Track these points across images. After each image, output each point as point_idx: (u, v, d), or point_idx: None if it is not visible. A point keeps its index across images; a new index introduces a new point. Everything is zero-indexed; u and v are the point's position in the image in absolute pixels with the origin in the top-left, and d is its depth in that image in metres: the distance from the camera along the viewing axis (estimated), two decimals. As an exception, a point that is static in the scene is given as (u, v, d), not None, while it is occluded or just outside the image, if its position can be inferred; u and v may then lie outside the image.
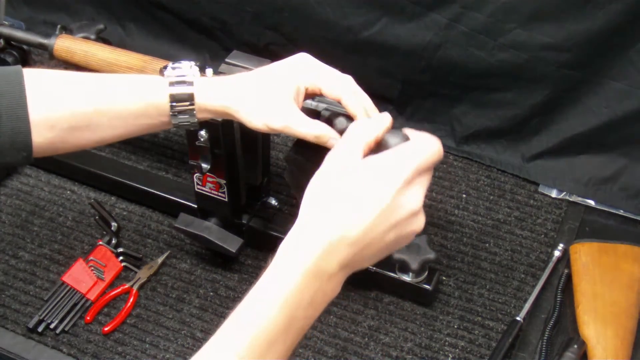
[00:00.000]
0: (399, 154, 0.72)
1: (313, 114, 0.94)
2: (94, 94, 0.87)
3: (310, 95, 0.90)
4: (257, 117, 0.86)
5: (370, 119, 0.84)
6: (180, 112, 0.88)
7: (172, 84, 0.87)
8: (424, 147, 0.73)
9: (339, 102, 0.88)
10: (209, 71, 0.92)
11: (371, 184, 0.70)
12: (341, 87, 0.87)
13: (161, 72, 0.90)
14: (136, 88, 0.88)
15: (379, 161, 0.72)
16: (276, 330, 0.68)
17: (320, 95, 0.89)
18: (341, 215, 0.69)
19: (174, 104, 0.87)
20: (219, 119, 0.95)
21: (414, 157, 0.72)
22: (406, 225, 0.72)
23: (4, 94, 0.85)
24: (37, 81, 0.87)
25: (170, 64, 0.90)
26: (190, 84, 0.87)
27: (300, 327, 0.70)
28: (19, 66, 0.88)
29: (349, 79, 0.88)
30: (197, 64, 0.90)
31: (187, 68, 0.89)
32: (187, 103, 0.87)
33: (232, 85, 0.88)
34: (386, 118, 0.78)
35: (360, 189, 0.70)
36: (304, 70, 0.87)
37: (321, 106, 0.96)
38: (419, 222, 0.73)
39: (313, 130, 0.85)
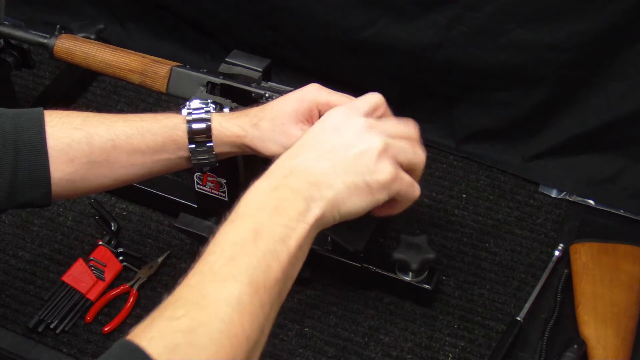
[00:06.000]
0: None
1: None
2: (113, 130, 0.89)
3: None
4: (273, 142, 0.88)
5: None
6: (197, 145, 0.89)
7: (189, 120, 0.89)
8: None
9: None
10: (226, 110, 0.94)
11: (321, 119, 0.80)
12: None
13: (179, 110, 0.91)
14: (154, 124, 0.90)
15: None
16: (242, 235, 0.66)
17: None
18: (297, 144, 0.77)
19: (192, 137, 0.89)
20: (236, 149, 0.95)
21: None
22: (355, 141, 0.75)
23: (25, 130, 0.86)
24: (57, 118, 0.88)
25: (187, 102, 0.92)
26: (208, 120, 0.89)
27: (273, 233, 0.67)
28: (41, 108, 0.89)
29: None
30: (213, 102, 0.93)
31: (204, 105, 0.91)
32: (204, 136, 0.89)
33: (246, 115, 0.90)
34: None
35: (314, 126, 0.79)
36: (315, 92, 0.88)
37: None
38: (371, 141, 0.75)
39: None
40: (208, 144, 0.89)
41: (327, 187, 0.72)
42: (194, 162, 0.91)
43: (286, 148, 0.86)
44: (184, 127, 0.89)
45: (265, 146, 0.88)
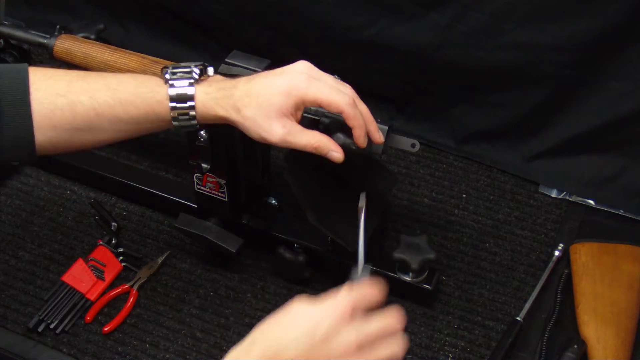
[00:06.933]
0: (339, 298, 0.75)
1: (312, 122, 0.94)
2: (96, 99, 0.88)
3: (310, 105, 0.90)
4: (254, 130, 0.87)
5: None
6: (181, 122, 0.89)
7: (172, 98, 0.88)
8: (360, 291, 0.76)
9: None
10: (210, 69, 0.92)
11: (312, 316, 0.73)
12: (340, 101, 0.87)
13: (162, 74, 0.90)
14: (137, 97, 0.89)
15: (325, 301, 0.75)
16: None
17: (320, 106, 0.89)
18: (278, 337, 0.72)
19: (175, 115, 0.89)
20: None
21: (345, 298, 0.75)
22: (330, 346, 0.71)
23: (8, 90, 0.85)
24: (41, 80, 0.88)
25: (170, 68, 0.90)
26: (191, 98, 0.88)
27: None
28: (25, 64, 0.88)
29: (348, 91, 0.89)
30: (198, 65, 0.91)
31: (188, 73, 0.89)
32: (188, 114, 0.89)
33: (230, 97, 0.88)
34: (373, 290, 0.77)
35: (303, 318, 0.73)
36: (303, 85, 0.86)
37: (320, 112, 0.96)
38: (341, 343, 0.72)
39: (311, 142, 0.87)
40: (192, 121, 0.89)
41: None
42: (177, 130, 0.91)
43: (265, 139, 0.87)
44: (166, 103, 0.88)
45: (247, 131, 0.88)
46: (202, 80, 0.90)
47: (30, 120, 0.86)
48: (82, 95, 0.88)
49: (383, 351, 0.74)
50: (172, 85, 0.88)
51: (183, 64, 0.91)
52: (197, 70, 0.89)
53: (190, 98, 0.88)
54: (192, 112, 0.88)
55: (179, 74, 0.89)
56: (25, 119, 0.86)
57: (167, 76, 0.89)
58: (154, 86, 0.89)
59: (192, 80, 0.89)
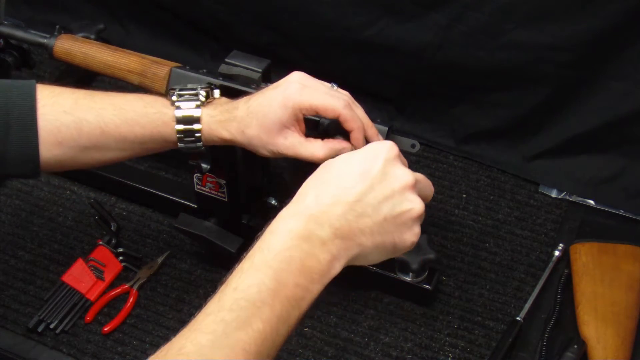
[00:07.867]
0: (383, 142, 0.76)
1: (312, 123, 0.94)
2: (102, 117, 0.89)
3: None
4: (262, 147, 0.89)
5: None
6: (186, 143, 0.91)
7: (179, 120, 0.89)
8: None
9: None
10: (217, 92, 0.94)
11: (362, 158, 0.72)
12: (335, 105, 0.87)
13: (169, 95, 0.91)
14: (143, 117, 0.90)
15: (367, 146, 0.75)
16: (262, 293, 0.66)
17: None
18: (334, 184, 0.71)
19: (181, 137, 0.90)
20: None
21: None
22: (400, 200, 0.71)
23: (16, 105, 0.86)
24: (48, 97, 0.88)
25: (177, 90, 0.91)
26: (197, 120, 0.89)
27: (290, 295, 0.67)
28: (33, 81, 0.89)
29: (344, 98, 0.89)
30: (204, 87, 0.91)
31: (194, 95, 0.90)
32: (193, 136, 0.90)
33: (234, 119, 0.89)
34: None
35: (352, 163, 0.72)
36: (296, 94, 0.87)
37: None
38: (414, 202, 0.72)
39: (315, 154, 0.88)
40: (197, 143, 0.91)
41: (357, 245, 0.71)
42: (182, 150, 0.92)
43: (275, 153, 0.88)
44: (173, 124, 0.89)
45: (256, 151, 0.90)
46: (209, 102, 0.91)
47: (37, 135, 0.86)
48: (88, 113, 0.89)
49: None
50: (178, 107, 0.89)
51: (190, 86, 0.92)
52: (203, 93, 0.90)
53: (197, 120, 0.89)
54: (197, 134, 0.90)
55: (185, 96, 0.90)
56: (32, 134, 0.86)
57: (174, 98, 0.90)
58: (160, 107, 0.90)
59: (198, 103, 0.90)
